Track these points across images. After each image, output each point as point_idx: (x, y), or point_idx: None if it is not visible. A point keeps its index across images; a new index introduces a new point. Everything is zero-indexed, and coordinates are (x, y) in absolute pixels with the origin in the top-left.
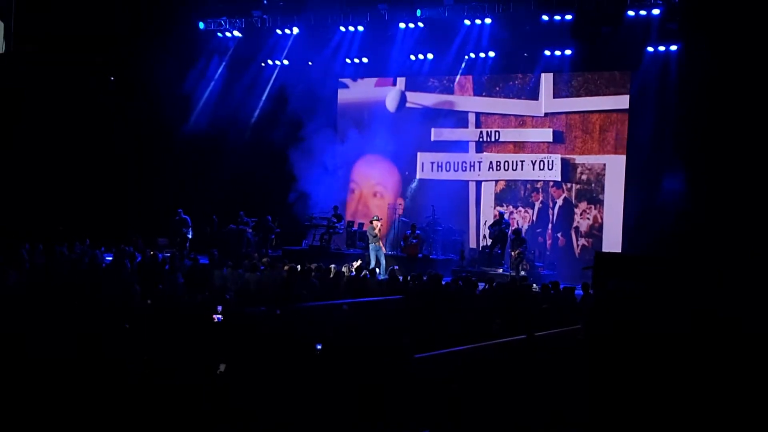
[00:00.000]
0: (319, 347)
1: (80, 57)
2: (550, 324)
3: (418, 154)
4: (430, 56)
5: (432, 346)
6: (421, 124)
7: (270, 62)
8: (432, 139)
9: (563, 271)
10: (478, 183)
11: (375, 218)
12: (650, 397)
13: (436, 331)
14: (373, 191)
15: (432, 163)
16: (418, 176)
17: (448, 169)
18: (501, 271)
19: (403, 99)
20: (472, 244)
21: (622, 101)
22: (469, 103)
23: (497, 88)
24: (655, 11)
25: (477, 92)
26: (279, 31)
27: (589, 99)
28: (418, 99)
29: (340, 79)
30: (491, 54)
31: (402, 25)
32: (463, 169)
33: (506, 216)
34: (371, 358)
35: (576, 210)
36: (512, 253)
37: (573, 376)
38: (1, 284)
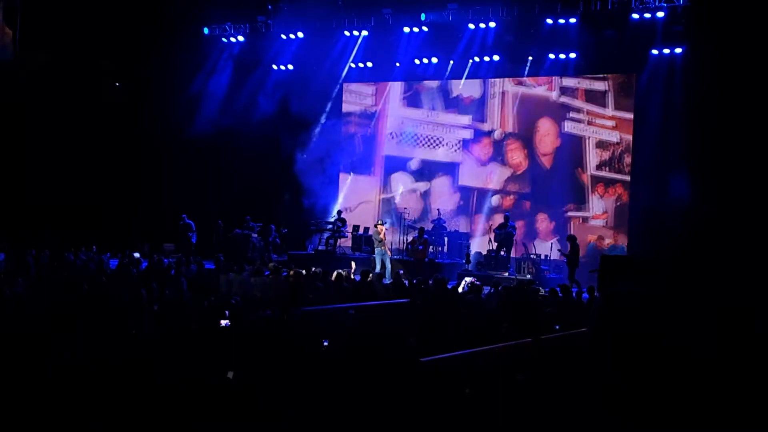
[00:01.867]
0: (326, 343)
1: (86, 63)
2: (557, 327)
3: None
4: (434, 60)
5: (438, 349)
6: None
7: (275, 67)
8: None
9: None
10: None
11: (380, 222)
12: (656, 397)
13: (443, 334)
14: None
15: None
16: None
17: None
18: (506, 274)
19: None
20: (477, 248)
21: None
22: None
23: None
24: (660, 14)
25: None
26: (283, 36)
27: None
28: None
29: (345, 84)
30: (495, 58)
31: (406, 30)
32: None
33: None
34: (377, 362)
35: None
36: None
37: (579, 379)
38: (10, 291)
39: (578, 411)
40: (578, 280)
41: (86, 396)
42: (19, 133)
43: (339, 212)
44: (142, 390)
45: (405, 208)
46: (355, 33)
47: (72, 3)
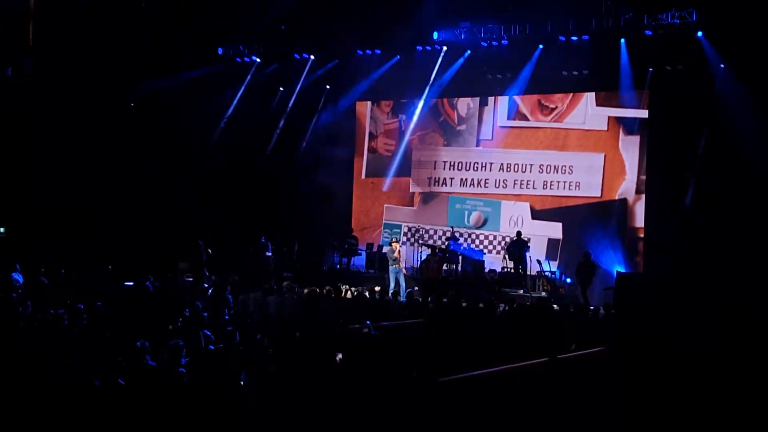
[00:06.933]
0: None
1: (100, 83)
2: (573, 346)
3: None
4: (449, 78)
5: (455, 369)
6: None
7: (290, 87)
8: None
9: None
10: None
11: (394, 240)
12: (683, 411)
13: (459, 353)
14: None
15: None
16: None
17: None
18: (521, 291)
19: None
20: (492, 265)
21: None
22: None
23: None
24: (673, 30)
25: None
26: (298, 56)
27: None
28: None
29: (359, 103)
30: (508, 75)
31: (419, 48)
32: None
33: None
34: (394, 382)
35: None
36: (576, 278)
37: (597, 397)
38: (24, 310)
39: (598, 428)
40: (588, 296)
41: (97, 416)
42: (33, 151)
43: (351, 230)
44: (154, 408)
45: (419, 226)
46: (369, 52)
47: (85, 19)
